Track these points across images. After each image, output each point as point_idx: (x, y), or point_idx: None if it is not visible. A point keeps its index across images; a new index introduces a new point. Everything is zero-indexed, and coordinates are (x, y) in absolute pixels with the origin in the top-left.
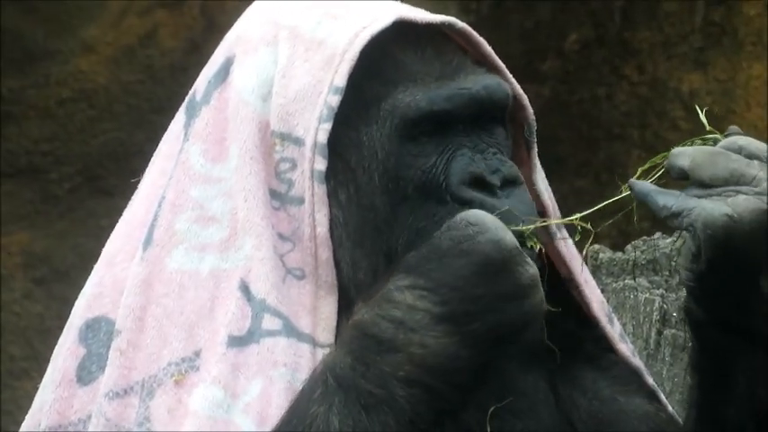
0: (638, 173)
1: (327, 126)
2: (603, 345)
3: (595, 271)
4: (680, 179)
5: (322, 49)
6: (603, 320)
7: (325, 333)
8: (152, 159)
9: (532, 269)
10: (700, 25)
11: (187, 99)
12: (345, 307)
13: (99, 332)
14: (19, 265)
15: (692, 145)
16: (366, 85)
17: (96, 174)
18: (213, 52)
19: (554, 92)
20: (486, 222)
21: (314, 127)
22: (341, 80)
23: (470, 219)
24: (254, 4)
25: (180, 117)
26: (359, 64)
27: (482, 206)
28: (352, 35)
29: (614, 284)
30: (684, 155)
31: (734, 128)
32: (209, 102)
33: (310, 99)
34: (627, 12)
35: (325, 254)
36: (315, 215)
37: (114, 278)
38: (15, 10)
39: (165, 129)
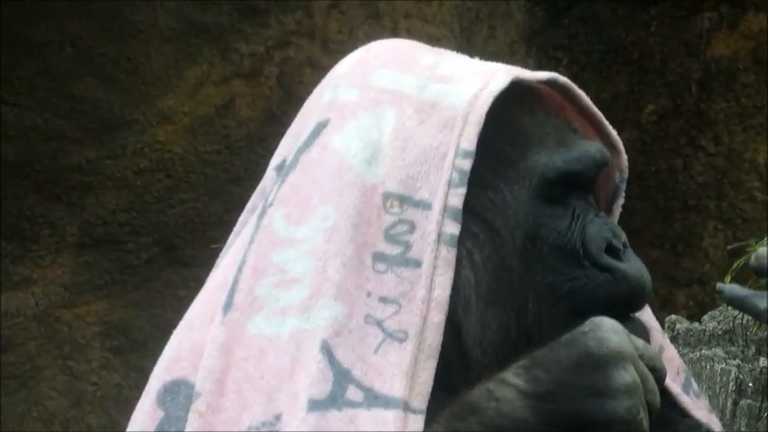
0: (727, 279)
1: (462, 191)
2: (679, 409)
3: (672, 342)
4: None
5: (437, 111)
6: (676, 390)
7: (419, 398)
8: (236, 229)
9: (629, 377)
10: None
11: (273, 166)
12: (463, 369)
13: (178, 395)
14: (96, 335)
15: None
16: (494, 147)
17: (173, 244)
18: (290, 122)
19: (631, 163)
20: (602, 324)
21: (443, 191)
22: (469, 144)
23: (594, 320)
24: (339, 67)
25: (265, 183)
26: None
27: (623, 272)
28: (472, 97)
29: (690, 355)
30: None
31: None
32: (295, 167)
33: (433, 162)
34: (704, 83)
35: (438, 317)
36: (435, 278)
37: (193, 342)
38: (94, 80)
39: (241, 199)
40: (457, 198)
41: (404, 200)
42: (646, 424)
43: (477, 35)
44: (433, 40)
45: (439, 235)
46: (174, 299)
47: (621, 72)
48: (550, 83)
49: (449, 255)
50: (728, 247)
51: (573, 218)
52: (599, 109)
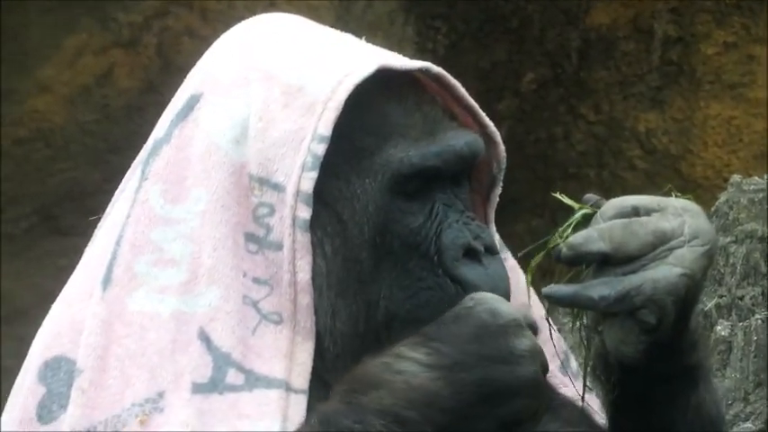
0: (528, 276)
1: (313, 174)
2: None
3: (552, 311)
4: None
5: (302, 95)
6: (552, 369)
7: (300, 378)
8: (114, 199)
9: (529, 342)
10: (656, 64)
11: (150, 137)
12: (318, 354)
13: (59, 371)
14: None
15: (571, 228)
16: (354, 135)
17: (53, 213)
18: (169, 91)
19: (510, 132)
20: (485, 297)
21: (296, 174)
22: (326, 129)
23: (474, 296)
24: (220, 41)
25: (142, 155)
26: (343, 112)
27: (473, 285)
28: (335, 83)
29: (571, 324)
30: (595, 238)
31: (591, 196)
32: (169, 140)
33: (291, 145)
34: (583, 51)
35: (306, 300)
36: (296, 262)
37: (72, 318)
38: None
39: (121, 168)
40: (308, 182)
41: (263, 182)
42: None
43: (355, 4)
44: (312, 10)
45: (294, 219)
46: (53, 268)
47: (501, 40)
48: (424, 72)
49: (304, 239)
50: (519, 254)
51: (429, 215)
52: (478, 77)
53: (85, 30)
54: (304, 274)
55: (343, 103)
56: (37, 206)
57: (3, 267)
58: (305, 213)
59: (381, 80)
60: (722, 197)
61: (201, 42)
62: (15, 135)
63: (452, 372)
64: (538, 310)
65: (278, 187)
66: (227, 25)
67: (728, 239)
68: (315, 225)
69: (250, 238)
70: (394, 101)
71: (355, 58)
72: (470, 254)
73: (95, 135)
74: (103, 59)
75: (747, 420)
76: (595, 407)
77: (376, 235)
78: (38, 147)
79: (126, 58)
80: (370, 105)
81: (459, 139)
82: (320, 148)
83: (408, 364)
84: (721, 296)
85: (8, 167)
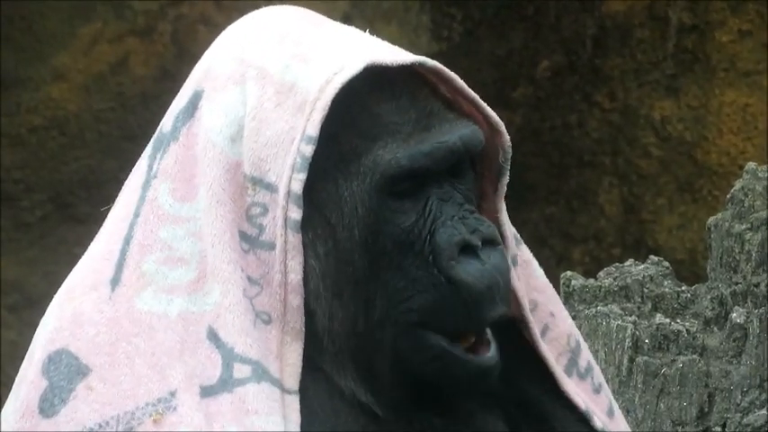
0: None
1: (302, 176)
2: (562, 397)
3: (568, 298)
4: None
5: (293, 94)
6: (558, 372)
7: (291, 379)
8: (121, 192)
9: None
10: (671, 52)
11: (156, 131)
12: (317, 355)
13: (60, 365)
14: None
15: None
16: (342, 137)
17: (68, 201)
18: (184, 80)
19: (525, 119)
20: None
21: (287, 175)
22: (313, 130)
23: None
24: (221, 36)
25: (148, 150)
26: (332, 112)
27: (467, 286)
28: (323, 82)
29: (586, 311)
30: None
31: None
32: (177, 138)
33: (283, 145)
34: (598, 39)
35: (296, 301)
36: (287, 262)
37: (73, 311)
38: None
39: (136, 156)
40: (298, 183)
41: (256, 182)
42: None
43: None
44: None
45: (285, 220)
46: (68, 256)
47: (516, 28)
48: (420, 66)
49: (295, 240)
50: None
51: (422, 214)
52: (494, 65)
53: (101, 18)
54: (295, 274)
55: (329, 103)
56: (52, 194)
57: (18, 255)
58: (296, 214)
59: (375, 77)
60: (737, 184)
61: (216, 30)
62: (30, 123)
63: None
64: (555, 302)
65: (270, 187)
66: (242, 13)
67: (744, 227)
68: (306, 226)
69: (243, 237)
70: (386, 98)
71: (348, 55)
72: (467, 250)
73: (110, 123)
74: (118, 47)
75: (763, 408)
76: (603, 408)
77: (367, 236)
78: (53, 135)
79: (141, 46)
80: (360, 104)
81: (453, 134)
82: (308, 150)
83: None
84: (737, 283)
85: (23, 155)
